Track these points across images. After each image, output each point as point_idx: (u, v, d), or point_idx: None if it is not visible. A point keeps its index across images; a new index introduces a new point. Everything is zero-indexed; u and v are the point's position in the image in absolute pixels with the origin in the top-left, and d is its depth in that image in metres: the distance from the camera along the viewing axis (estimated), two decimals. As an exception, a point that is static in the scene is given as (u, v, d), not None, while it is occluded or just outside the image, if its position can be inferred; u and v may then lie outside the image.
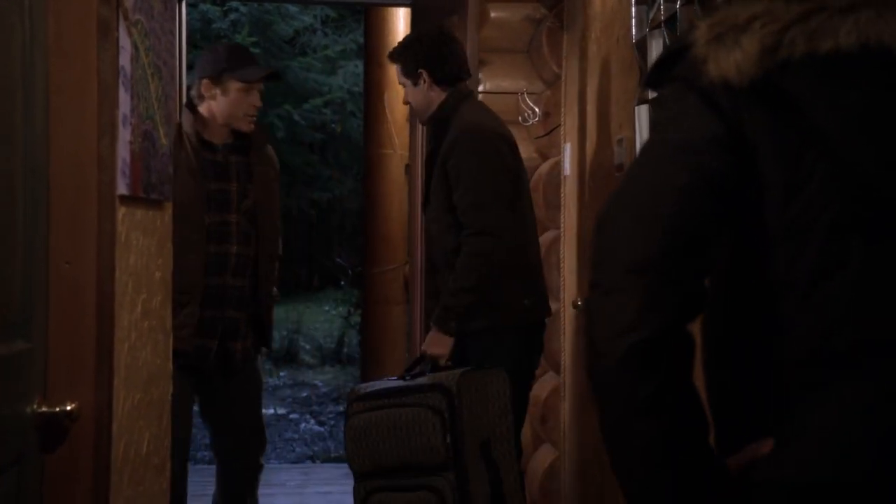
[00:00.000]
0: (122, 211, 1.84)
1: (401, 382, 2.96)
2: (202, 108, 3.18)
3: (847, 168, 1.10)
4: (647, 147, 1.19)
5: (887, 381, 1.10)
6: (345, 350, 10.57)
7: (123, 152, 1.82)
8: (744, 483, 1.12)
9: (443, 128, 3.18)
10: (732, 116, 1.12)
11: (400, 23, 5.62)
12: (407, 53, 3.25)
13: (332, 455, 6.68)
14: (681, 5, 2.37)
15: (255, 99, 3.20)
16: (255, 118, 3.21)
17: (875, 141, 1.11)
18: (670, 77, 1.18)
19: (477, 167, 3.07)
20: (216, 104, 3.16)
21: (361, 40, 4.32)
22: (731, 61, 1.11)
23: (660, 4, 2.52)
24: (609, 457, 1.14)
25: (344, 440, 3.04)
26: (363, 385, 3.12)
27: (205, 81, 3.15)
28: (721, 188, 1.12)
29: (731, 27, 1.12)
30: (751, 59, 1.10)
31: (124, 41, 1.81)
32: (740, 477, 1.13)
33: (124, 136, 1.82)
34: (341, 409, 7.83)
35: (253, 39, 10.61)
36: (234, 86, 3.15)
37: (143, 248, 2.02)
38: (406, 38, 3.36)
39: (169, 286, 2.26)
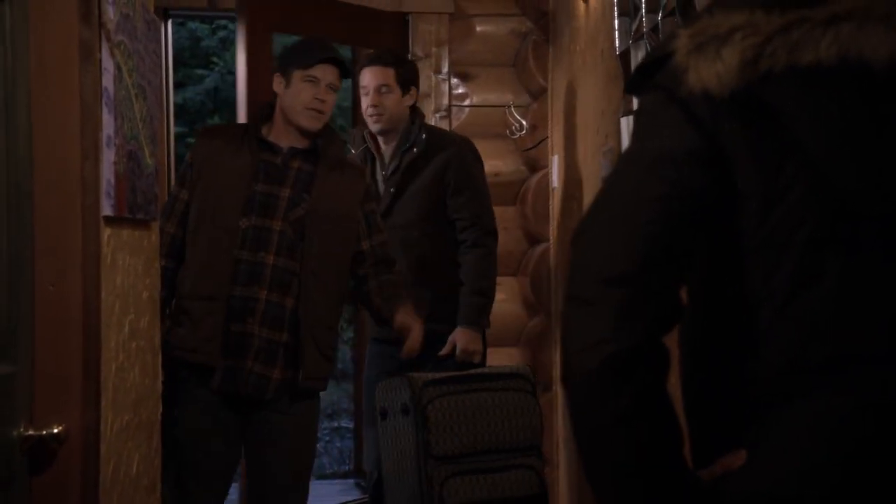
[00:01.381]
0: (107, 232, 1.83)
1: (467, 371, 3.15)
2: (277, 108, 2.97)
3: (826, 181, 1.11)
4: (625, 157, 1.18)
5: (860, 395, 1.10)
6: (339, 366, 10.55)
7: (108, 173, 1.82)
8: (717, 495, 1.12)
9: (417, 143, 3.39)
10: (711, 128, 1.12)
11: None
12: (405, 66, 3.46)
13: (327, 472, 6.66)
14: (662, 17, 2.39)
15: (320, 92, 2.90)
16: (321, 114, 2.92)
17: (854, 154, 1.11)
18: (651, 84, 1.18)
19: (481, 177, 3.43)
20: (281, 99, 2.94)
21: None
22: (712, 72, 1.11)
23: (642, 16, 2.53)
24: (584, 467, 1.14)
25: (419, 424, 3.02)
26: (414, 374, 3.10)
27: (275, 76, 2.98)
28: (698, 201, 1.12)
29: (713, 37, 1.12)
30: (732, 71, 1.10)
31: (107, 62, 1.81)
32: (713, 489, 1.13)
33: (108, 157, 1.82)
34: (336, 424, 7.81)
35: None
36: (297, 75, 2.91)
37: (130, 269, 2.02)
38: (397, 52, 3.56)
39: (157, 305, 2.25)
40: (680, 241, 1.12)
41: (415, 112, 3.48)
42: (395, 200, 3.41)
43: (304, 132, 2.93)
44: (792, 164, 1.11)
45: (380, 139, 3.48)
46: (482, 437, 3.05)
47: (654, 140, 1.15)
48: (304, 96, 2.89)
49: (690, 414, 1.21)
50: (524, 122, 4.10)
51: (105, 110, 1.80)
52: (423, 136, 3.40)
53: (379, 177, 3.48)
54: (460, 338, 3.30)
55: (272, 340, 2.84)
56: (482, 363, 3.34)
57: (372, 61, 3.45)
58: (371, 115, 3.41)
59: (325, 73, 2.92)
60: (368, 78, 3.41)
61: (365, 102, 3.43)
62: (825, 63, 1.10)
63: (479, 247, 3.35)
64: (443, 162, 3.36)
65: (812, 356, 1.11)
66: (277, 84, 2.96)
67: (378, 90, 3.39)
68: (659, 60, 1.17)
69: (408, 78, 3.43)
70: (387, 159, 3.47)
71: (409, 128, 3.42)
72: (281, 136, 2.95)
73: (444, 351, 3.30)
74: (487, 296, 3.35)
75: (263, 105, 3.04)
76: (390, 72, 3.40)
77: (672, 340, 1.15)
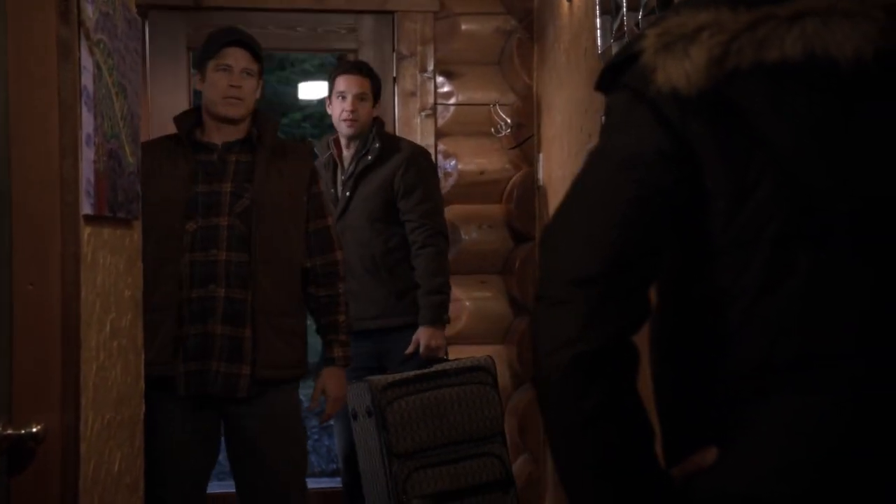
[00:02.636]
0: (87, 231, 1.83)
1: (427, 368, 3.33)
2: (203, 108, 2.95)
3: (793, 178, 1.11)
4: (593, 157, 1.19)
5: (831, 393, 1.10)
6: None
7: (88, 172, 1.82)
8: (689, 493, 1.13)
9: (371, 150, 3.60)
10: (680, 127, 1.12)
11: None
12: (377, 78, 3.69)
13: (315, 470, 6.66)
14: (643, 15, 2.39)
15: (234, 78, 2.87)
16: (238, 101, 2.87)
17: (821, 150, 1.11)
18: (619, 84, 1.18)
19: (432, 180, 3.66)
20: (203, 97, 2.91)
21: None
22: (680, 71, 1.11)
23: (623, 15, 2.54)
24: (555, 467, 1.15)
25: (379, 426, 3.20)
26: (375, 378, 3.29)
27: (194, 76, 2.98)
28: (667, 201, 1.13)
29: (680, 36, 1.13)
30: (699, 69, 1.11)
31: (86, 61, 1.81)
32: (684, 487, 1.13)
33: (88, 155, 1.82)
34: (326, 423, 7.78)
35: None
36: (210, 66, 2.89)
37: (111, 267, 2.02)
38: (366, 64, 3.78)
39: (139, 304, 2.25)
40: (649, 240, 1.13)
41: (376, 121, 3.69)
42: (349, 203, 3.62)
43: (229, 122, 2.90)
44: (759, 161, 1.11)
45: (342, 145, 3.70)
46: (443, 432, 3.25)
47: (622, 140, 1.15)
48: (220, 85, 2.87)
49: (662, 412, 1.21)
50: (509, 121, 4.10)
51: (84, 109, 1.80)
52: (377, 144, 3.60)
53: (338, 180, 3.69)
54: (423, 336, 3.50)
55: (235, 337, 2.80)
56: (446, 356, 3.54)
57: (351, 70, 3.64)
58: (346, 120, 3.60)
59: (237, 58, 2.89)
60: (347, 85, 3.60)
61: (340, 107, 3.62)
62: (791, 59, 1.10)
63: (428, 246, 3.53)
64: (394, 166, 3.58)
65: (781, 354, 1.11)
66: (197, 82, 2.95)
67: (357, 97, 3.59)
68: (627, 60, 1.17)
69: (378, 90, 3.68)
70: (346, 165, 3.68)
71: (367, 135, 3.64)
72: (213, 134, 2.93)
73: (409, 350, 3.51)
74: (443, 292, 3.53)
75: (188, 111, 3.04)
76: (367, 82, 3.62)
77: (642, 339, 1.16)
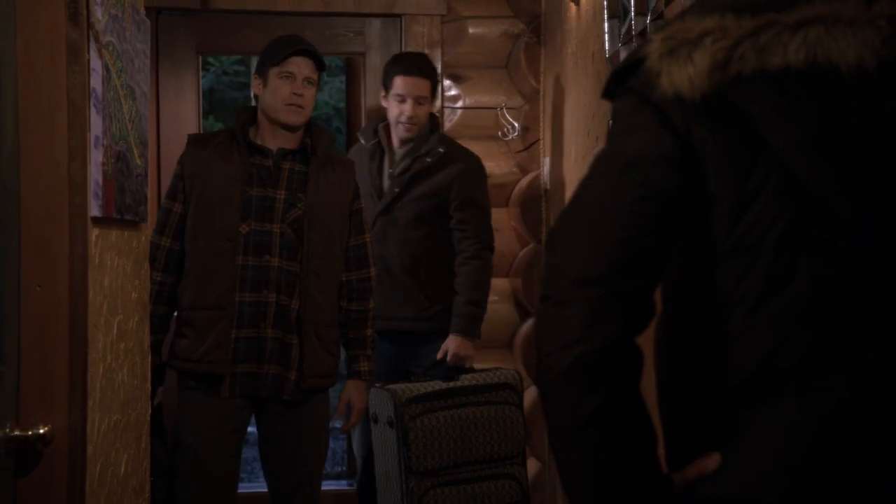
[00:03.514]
0: (95, 232, 1.84)
1: (453, 383, 3.22)
2: (259, 110, 2.98)
3: (796, 183, 1.11)
4: (599, 160, 1.19)
5: (831, 400, 1.10)
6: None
7: (96, 174, 1.83)
8: (690, 499, 1.13)
9: (432, 153, 3.47)
10: (684, 131, 1.13)
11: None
12: (437, 75, 3.55)
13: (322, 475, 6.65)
14: (651, 20, 2.39)
15: (297, 86, 2.91)
16: (301, 109, 2.92)
17: (823, 156, 1.12)
18: (625, 89, 1.19)
19: (486, 193, 3.57)
20: (262, 100, 2.95)
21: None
22: (684, 76, 1.12)
23: (631, 19, 2.54)
24: (557, 467, 1.15)
25: (401, 441, 3.10)
26: (396, 387, 3.18)
27: (254, 79, 3.00)
28: (671, 204, 1.13)
29: (684, 41, 1.13)
30: (703, 74, 1.11)
31: (95, 63, 1.82)
32: (686, 492, 1.13)
33: (96, 157, 1.83)
34: (330, 426, 7.78)
35: (237, 56, 10.62)
36: (273, 73, 2.92)
37: (119, 270, 2.02)
38: (428, 57, 3.63)
39: (146, 306, 2.26)
40: (652, 243, 1.13)
41: (433, 119, 3.56)
42: (397, 200, 3.49)
43: (288, 129, 2.94)
44: (762, 166, 1.12)
45: (394, 139, 3.55)
46: (464, 452, 3.15)
47: (627, 143, 1.16)
48: (282, 92, 2.91)
49: (665, 417, 1.21)
50: (516, 124, 4.10)
51: (93, 111, 1.81)
52: (441, 149, 3.48)
53: (385, 172, 3.55)
54: (453, 344, 3.40)
55: (285, 342, 2.88)
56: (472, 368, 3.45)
57: (411, 71, 3.48)
58: (404, 124, 3.47)
59: (300, 66, 2.93)
60: (407, 88, 3.46)
61: (398, 109, 3.48)
62: (794, 66, 1.11)
63: (477, 259, 3.46)
64: (453, 173, 3.47)
65: (783, 359, 1.11)
66: (256, 86, 2.98)
67: (417, 101, 3.46)
68: (633, 65, 1.17)
69: (437, 87, 3.56)
70: (397, 157, 3.54)
71: (429, 136, 3.51)
72: (268, 139, 2.96)
73: (438, 355, 3.40)
74: (481, 307, 3.46)
75: (246, 109, 3.05)
76: (427, 84, 3.48)
77: (646, 341, 1.16)
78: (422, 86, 3.47)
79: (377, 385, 3.25)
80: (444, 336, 3.45)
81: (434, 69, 3.56)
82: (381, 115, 3.68)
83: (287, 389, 2.90)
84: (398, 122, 3.49)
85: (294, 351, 2.89)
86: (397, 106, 3.48)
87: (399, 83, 3.47)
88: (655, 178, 1.12)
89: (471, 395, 3.21)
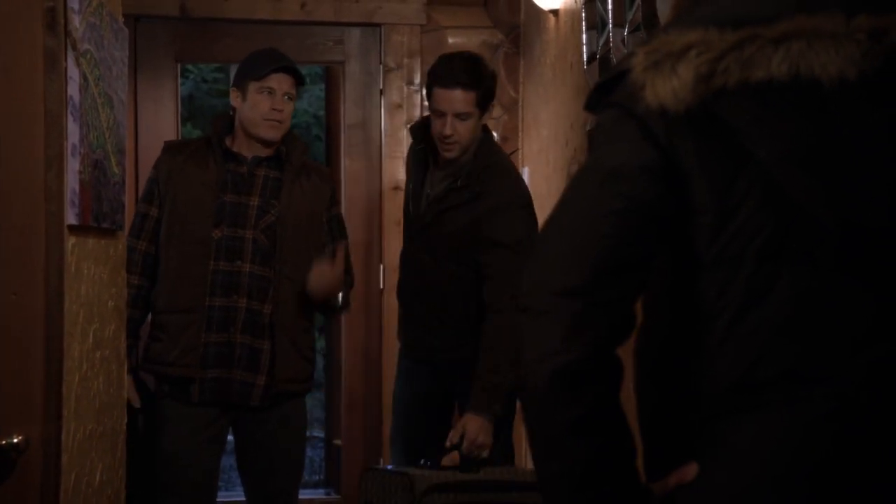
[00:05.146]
0: (71, 241, 1.83)
1: (477, 475, 2.67)
2: (236, 120, 3.00)
3: (778, 195, 1.12)
4: (581, 171, 1.20)
5: (815, 411, 1.11)
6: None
7: (73, 182, 1.82)
8: None
9: (471, 185, 2.97)
10: (667, 144, 1.14)
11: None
12: (487, 83, 2.96)
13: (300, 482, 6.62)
14: (629, 31, 2.41)
15: (277, 102, 2.92)
16: (280, 124, 2.92)
17: (806, 168, 1.13)
18: (608, 101, 1.20)
19: (531, 234, 2.87)
20: (240, 112, 2.97)
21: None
22: (668, 88, 1.13)
23: (609, 31, 2.56)
24: (537, 477, 1.15)
25: None
26: (418, 474, 2.67)
27: (232, 91, 3.02)
28: (652, 216, 1.14)
29: (668, 54, 1.14)
30: (687, 87, 1.12)
31: (73, 71, 1.81)
32: (664, 502, 1.14)
33: (73, 165, 1.82)
34: (309, 434, 7.75)
35: (216, 64, 10.59)
36: (252, 87, 2.94)
37: (95, 278, 2.01)
38: (478, 62, 3.01)
39: (123, 315, 2.25)
40: (634, 254, 1.14)
41: (485, 136, 3.04)
42: (428, 229, 3.05)
43: (265, 143, 2.97)
44: (745, 177, 1.13)
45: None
46: None
47: (609, 155, 1.17)
48: (262, 108, 2.93)
49: (644, 427, 1.22)
50: (495, 134, 4.11)
51: (70, 119, 1.80)
52: (479, 179, 2.96)
53: (427, 185, 3.10)
54: (471, 426, 2.81)
55: (254, 348, 2.89)
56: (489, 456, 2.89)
57: (451, 83, 2.91)
58: (444, 143, 2.95)
59: (281, 82, 2.95)
60: (446, 102, 2.93)
61: (437, 125, 2.96)
62: (777, 79, 1.12)
63: (506, 312, 2.78)
64: (492, 209, 2.92)
65: (764, 370, 1.12)
66: (235, 98, 2.99)
67: (458, 117, 2.92)
68: (616, 77, 1.18)
69: (489, 96, 2.97)
70: (437, 178, 3.07)
71: (471, 161, 2.99)
72: (243, 147, 2.99)
73: (451, 440, 2.84)
74: (504, 376, 2.79)
75: (223, 117, 3.08)
76: (472, 96, 2.91)
77: (627, 353, 1.16)
78: (463, 99, 2.90)
79: (385, 467, 2.86)
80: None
81: (482, 76, 2.95)
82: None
83: (255, 395, 2.90)
84: (439, 141, 2.98)
85: (264, 356, 2.89)
86: (437, 121, 2.96)
87: (437, 96, 2.96)
88: (637, 190, 1.13)
89: (500, 493, 2.66)
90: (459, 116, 2.90)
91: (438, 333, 3.07)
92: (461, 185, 2.97)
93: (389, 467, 2.80)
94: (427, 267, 3.07)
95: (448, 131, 2.91)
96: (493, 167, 3.01)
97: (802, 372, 1.11)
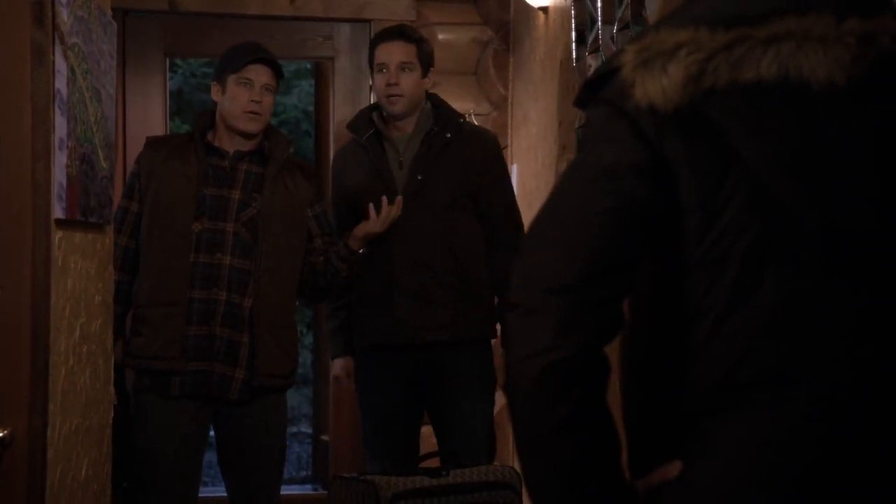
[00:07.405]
0: (58, 235, 1.83)
1: (442, 479, 2.71)
2: (217, 115, 2.98)
3: (765, 196, 1.12)
4: (570, 169, 1.20)
5: (801, 413, 1.11)
6: (299, 370, 10.47)
7: (60, 176, 1.81)
8: None
9: (450, 127, 3.06)
10: (656, 142, 1.13)
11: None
12: (425, 43, 3.12)
13: (285, 477, 6.62)
14: (618, 29, 2.42)
15: (255, 93, 2.90)
16: (258, 116, 2.91)
17: (794, 170, 1.13)
18: (598, 99, 1.20)
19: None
20: (220, 106, 2.96)
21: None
22: (657, 87, 1.12)
23: (598, 28, 2.56)
24: (523, 475, 1.16)
25: None
26: (384, 482, 2.67)
27: (213, 85, 3.00)
28: (642, 214, 1.14)
29: (658, 53, 1.14)
30: (676, 86, 1.12)
31: (60, 65, 1.80)
32: (648, 499, 1.14)
33: (60, 159, 1.82)
34: (295, 430, 7.75)
35: (205, 59, 10.57)
36: (231, 80, 2.93)
37: (82, 272, 2.01)
38: (410, 26, 3.25)
39: (110, 309, 2.24)
40: (623, 252, 1.14)
41: (435, 97, 3.15)
42: (423, 187, 3.04)
43: (245, 135, 2.96)
44: (732, 178, 1.13)
45: (393, 123, 3.10)
46: None
47: (599, 153, 1.16)
48: (241, 100, 2.92)
49: (629, 426, 1.22)
50: (485, 131, 4.12)
51: (58, 113, 1.80)
52: (459, 119, 3.11)
53: (392, 162, 3.09)
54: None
55: (233, 341, 2.87)
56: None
57: (391, 36, 3.08)
58: (389, 96, 3.03)
59: (259, 74, 2.94)
60: (387, 54, 3.04)
61: (381, 81, 3.04)
62: (766, 80, 1.12)
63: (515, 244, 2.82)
64: (474, 149, 3.05)
65: (748, 370, 1.12)
66: (215, 92, 2.99)
67: (399, 67, 3.02)
68: (606, 76, 1.18)
69: (428, 57, 3.08)
70: (403, 144, 3.09)
71: (438, 111, 3.08)
72: (225, 141, 2.98)
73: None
74: None
75: (205, 112, 3.07)
76: (412, 48, 3.05)
77: (613, 351, 1.17)
78: (405, 50, 3.04)
79: (353, 475, 2.78)
80: (486, 344, 3.06)
81: (420, 37, 3.11)
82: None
83: (234, 389, 2.88)
84: (383, 97, 3.04)
85: (243, 350, 2.88)
86: (380, 79, 3.05)
87: (379, 53, 3.07)
88: (627, 189, 1.13)
89: (468, 494, 2.70)
90: (402, 67, 3.02)
91: (445, 301, 3.01)
92: (438, 128, 3.05)
93: (355, 475, 2.78)
94: (425, 229, 3.02)
95: (393, 80, 3.01)
96: (458, 114, 3.17)
97: (788, 373, 1.12)
